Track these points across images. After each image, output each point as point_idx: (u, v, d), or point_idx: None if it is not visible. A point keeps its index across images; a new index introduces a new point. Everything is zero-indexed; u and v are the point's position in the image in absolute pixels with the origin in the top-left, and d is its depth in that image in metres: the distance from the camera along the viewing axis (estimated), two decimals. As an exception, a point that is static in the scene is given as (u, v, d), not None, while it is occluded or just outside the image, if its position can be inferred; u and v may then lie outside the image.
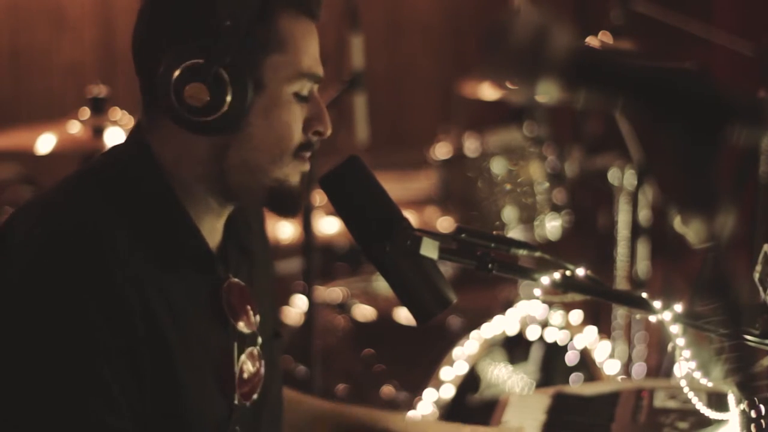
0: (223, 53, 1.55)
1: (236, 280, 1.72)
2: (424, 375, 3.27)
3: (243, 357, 1.70)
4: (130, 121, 2.93)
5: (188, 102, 1.56)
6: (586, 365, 3.46)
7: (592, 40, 3.15)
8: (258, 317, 1.75)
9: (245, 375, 1.71)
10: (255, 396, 1.73)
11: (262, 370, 1.75)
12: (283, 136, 1.63)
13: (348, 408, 2.07)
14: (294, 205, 1.68)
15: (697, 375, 1.66)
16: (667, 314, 1.54)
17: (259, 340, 1.75)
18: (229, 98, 1.56)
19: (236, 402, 1.68)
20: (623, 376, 3.72)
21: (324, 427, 2.03)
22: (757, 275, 1.58)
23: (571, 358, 3.46)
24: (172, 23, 1.61)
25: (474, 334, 3.31)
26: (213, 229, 1.70)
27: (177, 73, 1.56)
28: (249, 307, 1.73)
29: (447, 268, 2.99)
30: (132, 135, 1.70)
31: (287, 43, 1.61)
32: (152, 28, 1.63)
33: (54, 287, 1.51)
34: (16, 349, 1.51)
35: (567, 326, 3.44)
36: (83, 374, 1.50)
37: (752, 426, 1.48)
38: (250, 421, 1.73)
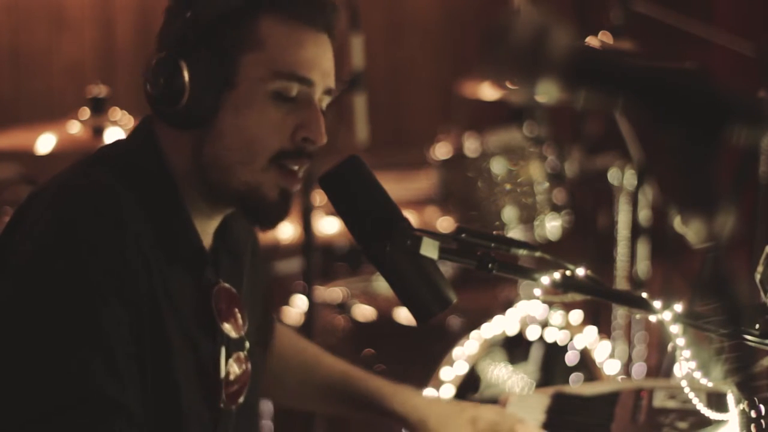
0: (183, 46, 1.59)
1: (226, 285, 1.72)
2: (424, 375, 3.27)
3: (230, 361, 1.71)
4: (130, 121, 2.94)
5: (150, 91, 1.61)
6: (586, 365, 3.46)
7: (592, 40, 3.15)
8: (246, 322, 1.75)
9: (231, 377, 1.71)
10: (241, 400, 1.73)
11: (249, 374, 1.75)
12: (255, 138, 1.62)
13: (359, 379, 2.01)
14: (266, 217, 1.67)
15: (697, 375, 1.66)
16: (667, 314, 1.54)
17: (247, 344, 1.75)
18: (187, 89, 1.58)
19: (222, 406, 1.69)
20: (623, 376, 3.71)
21: (333, 398, 2.02)
22: (758, 276, 1.58)
23: (571, 358, 3.46)
24: (166, 18, 1.66)
25: (474, 334, 3.31)
26: (204, 234, 1.70)
27: (152, 65, 1.61)
28: (237, 311, 1.73)
29: (447, 268, 2.99)
30: (142, 126, 1.71)
31: (265, 42, 1.61)
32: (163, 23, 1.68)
33: (66, 265, 1.52)
34: (27, 322, 1.52)
35: (567, 326, 3.43)
36: (89, 343, 1.51)
37: (752, 426, 1.48)
38: (236, 425, 1.74)
